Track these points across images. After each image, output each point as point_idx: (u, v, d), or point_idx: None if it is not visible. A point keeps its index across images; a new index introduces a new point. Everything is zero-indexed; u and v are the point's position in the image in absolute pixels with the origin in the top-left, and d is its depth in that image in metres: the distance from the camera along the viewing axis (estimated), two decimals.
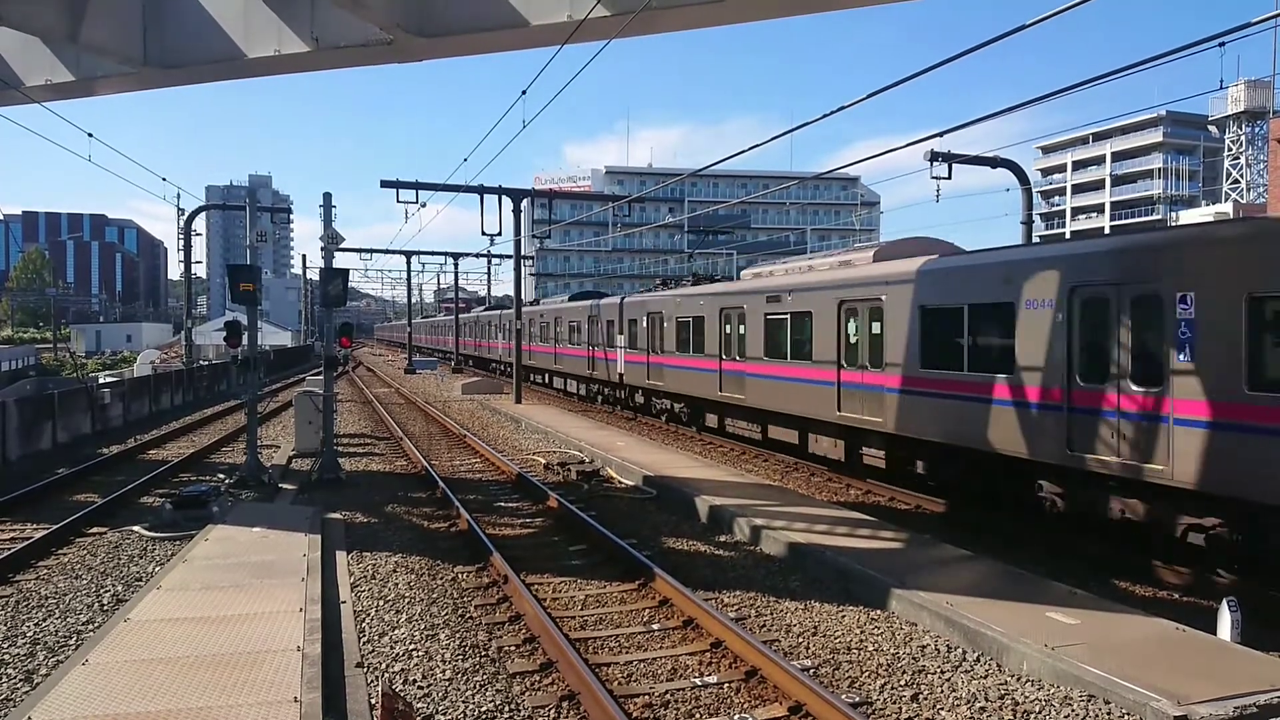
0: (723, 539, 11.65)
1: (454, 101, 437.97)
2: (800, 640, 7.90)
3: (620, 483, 15.83)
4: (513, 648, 7.60)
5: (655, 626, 8.25)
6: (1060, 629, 7.33)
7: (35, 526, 12.21)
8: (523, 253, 35.11)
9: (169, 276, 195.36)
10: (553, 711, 6.33)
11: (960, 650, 7.42)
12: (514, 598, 8.88)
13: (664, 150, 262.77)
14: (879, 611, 8.50)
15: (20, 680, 7.02)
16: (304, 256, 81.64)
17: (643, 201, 49.22)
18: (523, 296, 35.50)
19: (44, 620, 8.44)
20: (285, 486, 15.38)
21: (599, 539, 11.21)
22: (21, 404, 19.42)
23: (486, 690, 6.61)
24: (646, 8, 10.27)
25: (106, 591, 9.32)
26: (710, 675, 7.09)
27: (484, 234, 33.44)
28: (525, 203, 33.77)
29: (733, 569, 10.27)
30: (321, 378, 18.08)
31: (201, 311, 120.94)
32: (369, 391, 38.34)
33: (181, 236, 33.47)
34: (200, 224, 41.30)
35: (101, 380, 32.47)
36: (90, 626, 8.24)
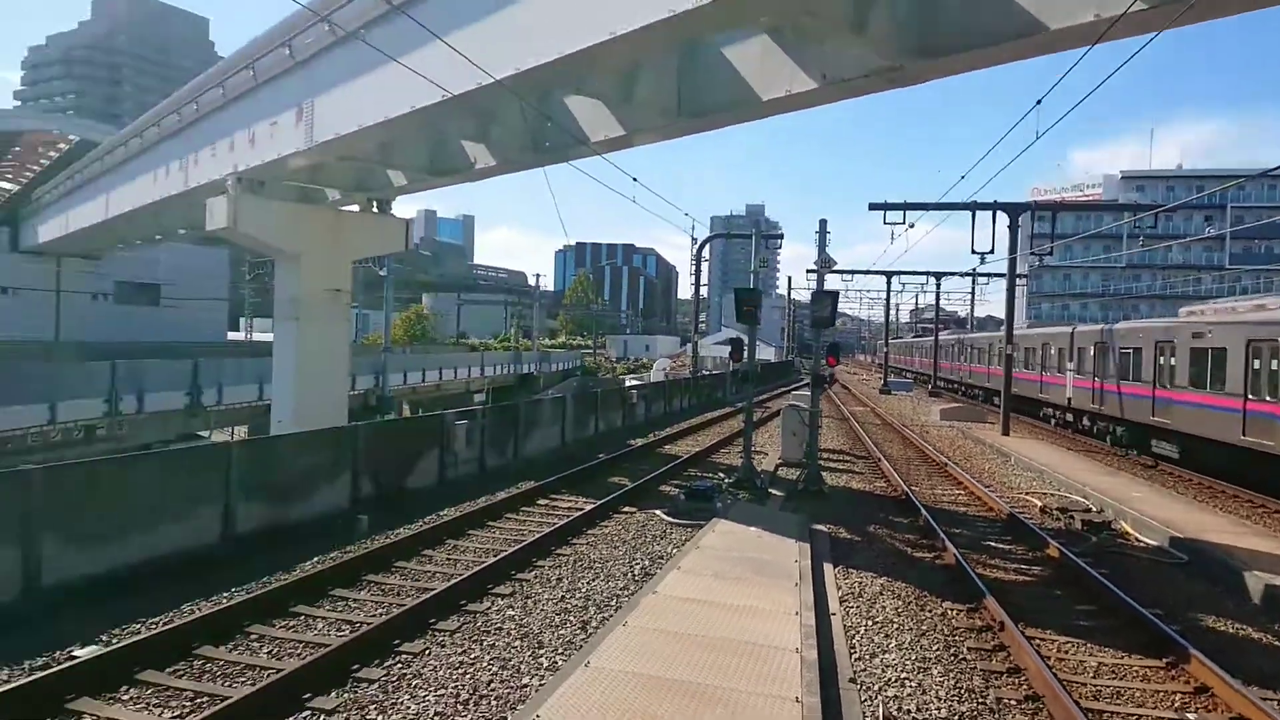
0: None
1: (948, 118, 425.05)
2: None
3: (1137, 540, 13.69)
4: (1013, 702, 7.06)
5: (1190, 717, 6.95)
6: None
7: (585, 500, 14.90)
8: (1016, 271, 32.63)
9: (678, 295, 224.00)
10: None
11: None
12: (1012, 648, 8.25)
13: (1196, 150, 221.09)
14: None
15: (578, 627, 8.61)
16: (789, 278, 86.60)
17: (1170, 211, 42.04)
18: (1014, 318, 32.90)
19: (593, 581, 10.24)
20: (774, 492, 16.44)
21: (1112, 601, 9.82)
22: (576, 399, 24.03)
23: None
24: None
25: (637, 564, 10.97)
26: None
27: (973, 252, 31.91)
28: (1021, 218, 31.39)
29: None
30: (804, 392, 18.95)
31: (703, 327, 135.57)
32: (845, 409, 39.11)
33: (693, 262, 38.02)
34: (704, 249, 46.91)
35: (628, 383, 38.51)
36: (625, 592, 9.75)
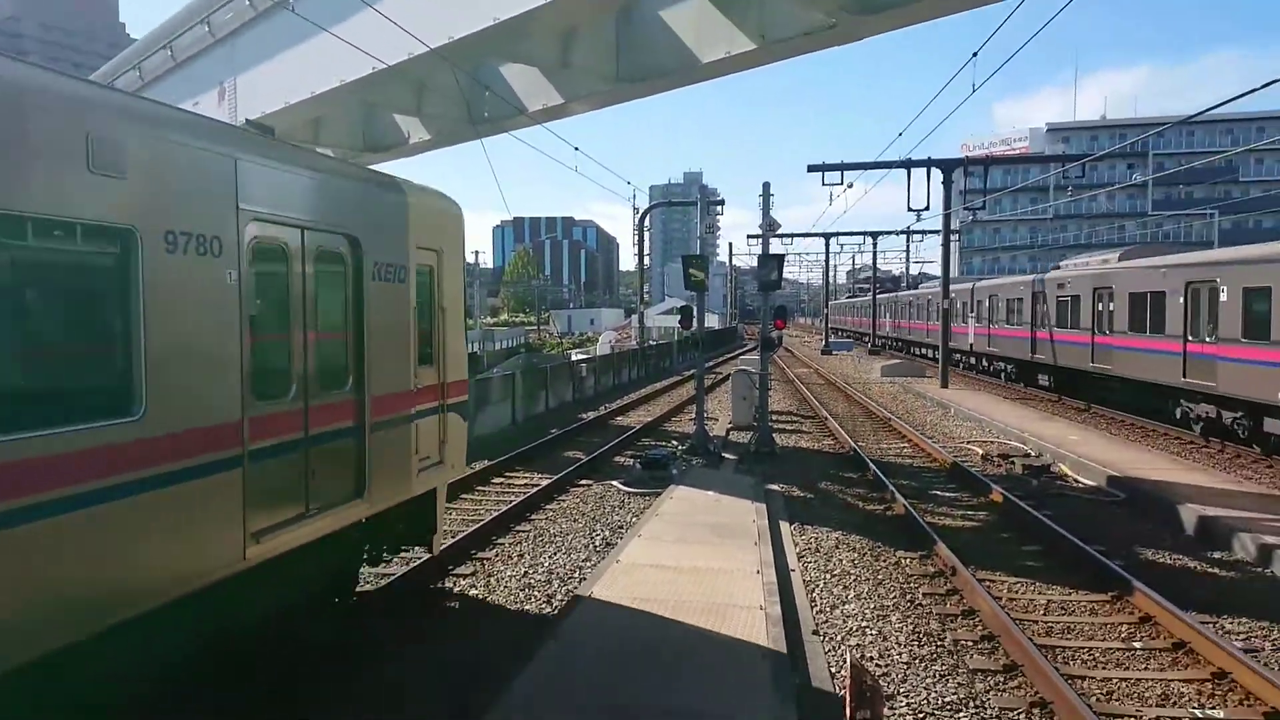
0: (1217, 556, 9.88)
1: (886, 76, 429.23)
2: None
3: (1076, 481, 14.26)
4: (970, 643, 7.32)
5: (1137, 645, 7.31)
6: None
7: (541, 476, 14.84)
8: (951, 226, 33.36)
9: (620, 267, 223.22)
10: (1022, 717, 5.98)
11: None
12: (965, 591, 8.54)
13: (1120, 98, 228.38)
14: None
15: (544, 602, 8.61)
16: (730, 244, 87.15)
17: (1096, 160, 43.34)
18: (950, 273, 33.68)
19: (555, 554, 10.23)
20: (727, 456, 16.62)
21: (1056, 540, 10.24)
22: (525, 375, 23.85)
23: (947, 681, 6.48)
24: None
25: (598, 535, 10.99)
26: (1215, 709, 6.09)
27: (909, 209, 32.49)
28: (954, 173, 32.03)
29: (1234, 592, 8.67)
30: (751, 356, 19.15)
31: (647, 297, 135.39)
32: (790, 371, 39.64)
33: (636, 232, 37.92)
34: (645, 219, 46.93)
35: (575, 357, 38.34)
36: (588, 564, 9.77)
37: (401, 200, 7.44)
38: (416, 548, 8.63)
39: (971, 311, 34.97)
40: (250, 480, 5.34)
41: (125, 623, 4.51)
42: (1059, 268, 28.43)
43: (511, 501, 12.45)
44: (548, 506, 12.67)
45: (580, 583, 8.84)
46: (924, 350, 44.96)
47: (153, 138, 4.80)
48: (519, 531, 11.23)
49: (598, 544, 10.58)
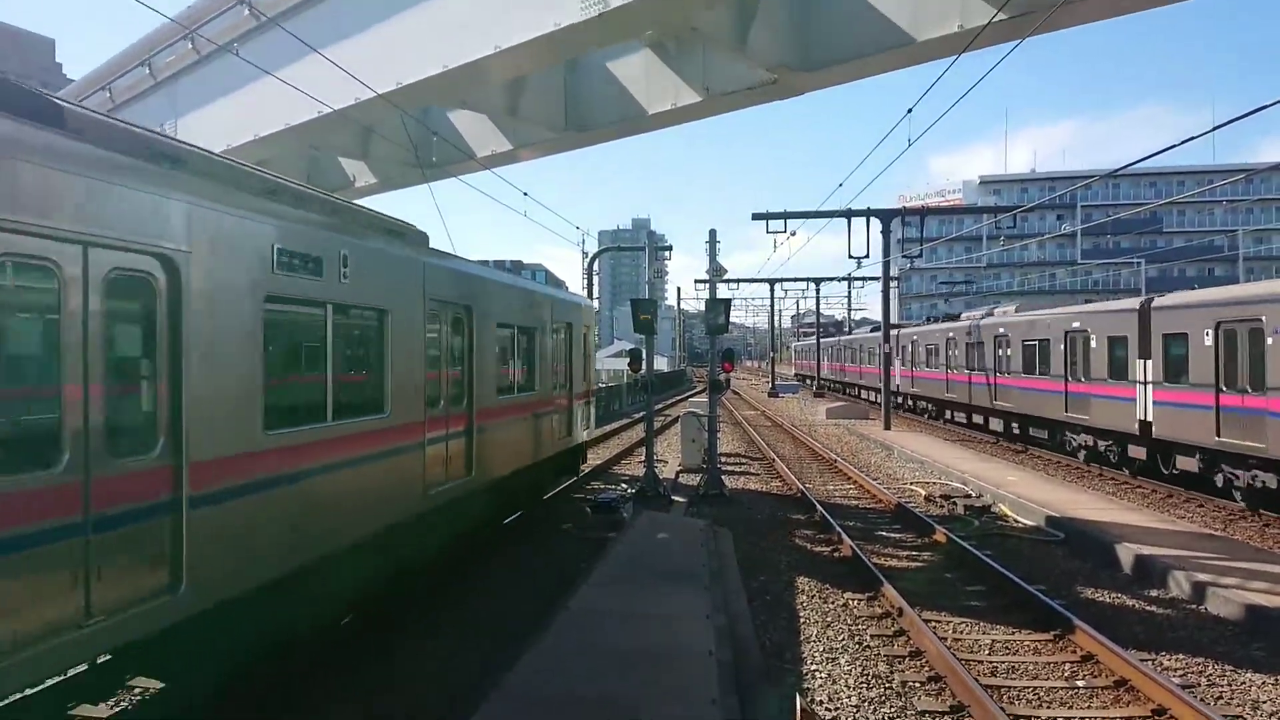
0: (1154, 594, 10.14)
1: (827, 128, 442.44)
2: None
3: (1016, 521, 14.55)
4: (917, 684, 7.34)
5: (1080, 684, 7.42)
6: None
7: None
8: (890, 273, 34.29)
9: None
10: None
11: None
12: (911, 632, 8.59)
13: (1049, 152, 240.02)
14: None
15: (498, 647, 8.41)
16: (678, 289, 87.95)
17: (1026, 211, 45.17)
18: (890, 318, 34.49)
19: (501, 602, 10.04)
20: (676, 499, 16.57)
21: (999, 580, 10.41)
22: None
23: None
24: (1059, 3, 9.45)
25: (549, 580, 10.82)
26: None
27: (850, 257, 33.29)
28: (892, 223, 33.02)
29: (1171, 629, 8.89)
30: (700, 398, 19.24)
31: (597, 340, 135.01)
32: (738, 414, 39.93)
33: (585, 275, 38.11)
34: (594, 264, 47.37)
35: None
36: (538, 609, 9.58)
37: (579, 302, 16.73)
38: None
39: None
40: (541, 424, 13.31)
41: (531, 464, 13.07)
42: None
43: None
44: (497, 552, 12.43)
45: (532, 629, 8.66)
46: (866, 393, 45.48)
47: (529, 298, 13.12)
48: (468, 575, 10.98)
49: (549, 589, 10.38)
